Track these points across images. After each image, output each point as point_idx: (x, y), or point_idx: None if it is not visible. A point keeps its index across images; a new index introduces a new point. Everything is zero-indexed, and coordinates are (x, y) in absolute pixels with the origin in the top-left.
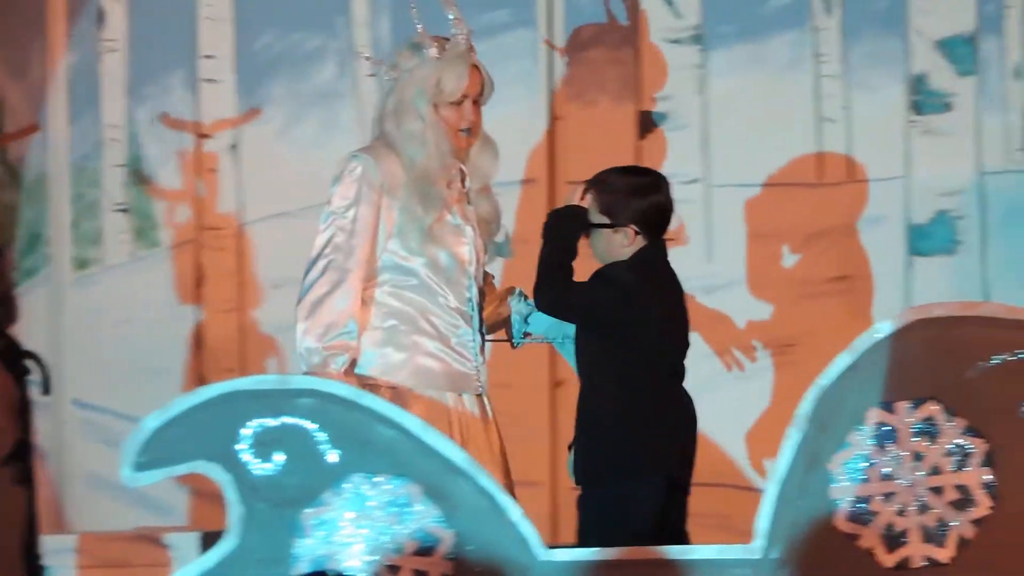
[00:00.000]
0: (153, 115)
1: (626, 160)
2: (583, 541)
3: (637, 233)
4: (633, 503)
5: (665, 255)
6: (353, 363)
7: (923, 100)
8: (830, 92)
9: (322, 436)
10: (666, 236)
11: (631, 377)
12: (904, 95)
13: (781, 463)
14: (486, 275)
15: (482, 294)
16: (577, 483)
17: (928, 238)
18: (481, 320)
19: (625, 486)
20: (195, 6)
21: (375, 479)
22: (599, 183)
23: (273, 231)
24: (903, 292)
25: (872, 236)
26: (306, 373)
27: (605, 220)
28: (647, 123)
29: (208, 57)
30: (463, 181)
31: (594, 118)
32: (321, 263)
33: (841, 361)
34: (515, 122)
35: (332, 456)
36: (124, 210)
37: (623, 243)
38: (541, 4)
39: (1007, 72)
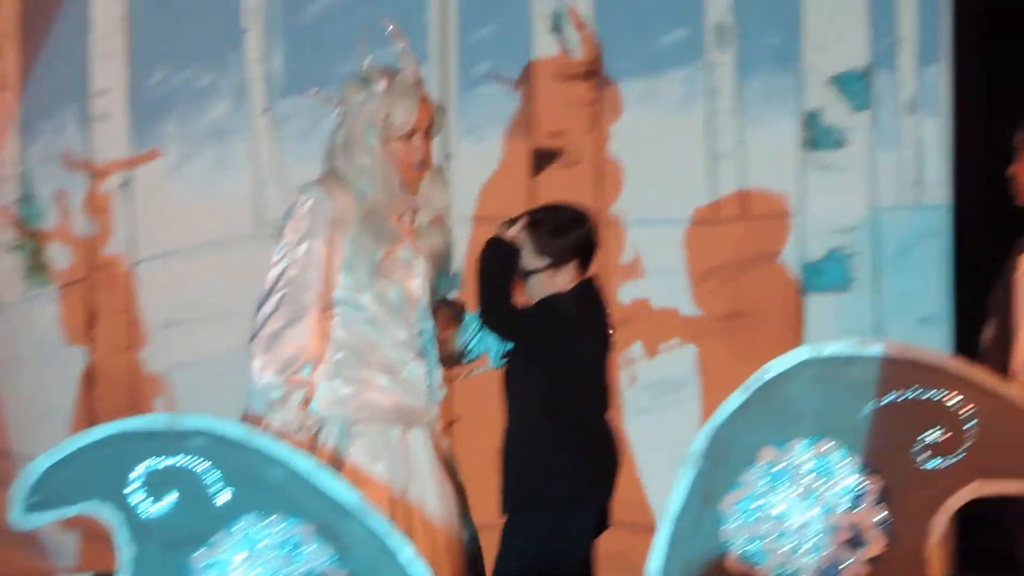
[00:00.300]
0: (47, 153)
1: (519, 197)
2: (501, 571)
3: (576, 267)
4: (564, 535)
5: (599, 288)
6: (308, 398)
7: (817, 136)
8: (724, 128)
9: (213, 476)
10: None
11: (567, 405)
12: (798, 131)
13: (673, 502)
14: (454, 302)
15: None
16: (505, 512)
17: (821, 275)
18: (436, 353)
19: (558, 517)
20: (88, 43)
21: (267, 520)
22: (531, 224)
23: (164, 270)
24: (795, 330)
25: (765, 273)
26: (268, 408)
27: (546, 260)
28: (541, 160)
29: (101, 94)
30: (415, 214)
31: (488, 154)
32: (275, 297)
33: (734, 399)
34: None
35: (223, 497)
36: (15, 249)
37: (563, 281)
38: (434, 40)
39: (900, 107)
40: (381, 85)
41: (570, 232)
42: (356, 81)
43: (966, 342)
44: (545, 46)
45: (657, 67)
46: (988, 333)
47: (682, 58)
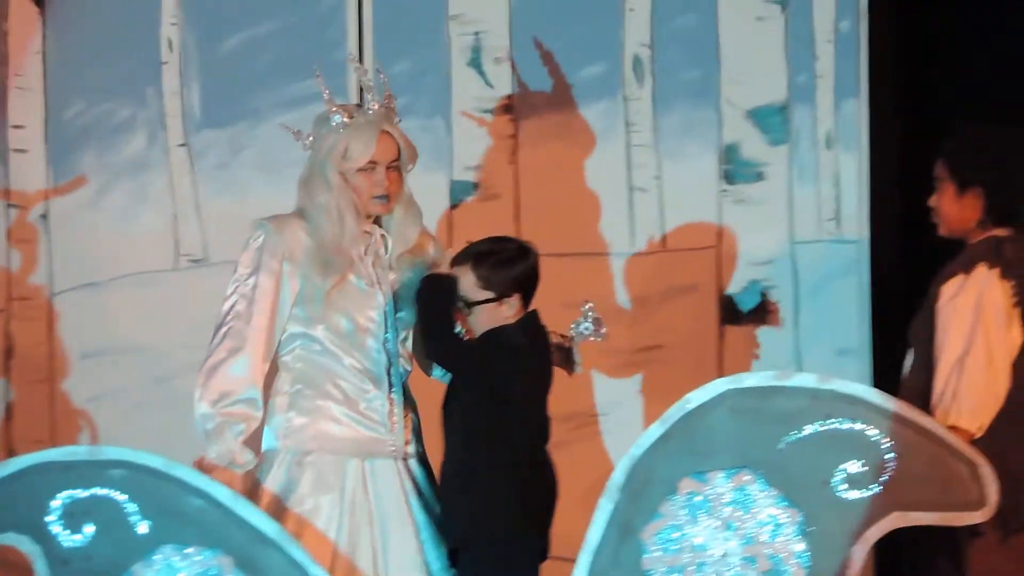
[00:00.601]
0: None
1: (437, 229)
2: None
3: (520, 300)
4: (508, 567)
5: (540, 322)
6: (259, 431)
7: (735, 169)
8: (641, 162)
9: (132, 507)
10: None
11: (512, 437)
12: (716, 164)
13: (593, 533)
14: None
15: (398, 356)
16: (448, 545)
17: (740, 307)
18: (401, 382)
19: (501, 548)
20: (4, 76)
21: (186, 550)
22: (472, 258)
23: (82, 301)
24: (715, 362)
25: (684, 305)
26: (204, 439)
27: (489, 295)
28: (459, 193)
29: (17, 127)
30: (386, 247)
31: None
32: (222, 330)
33: (653, 431)
34: None
35: (142, 527)
36: None
37: (507, 314)
38: (352, 73)
39: (819, 142)
40: (340, 119)
41: (515, 264)
42: (320, 116)
43: (884, 374)
44: (463, 80)
45: (574, 101)
46: (908, 365)
47: (600, 92)
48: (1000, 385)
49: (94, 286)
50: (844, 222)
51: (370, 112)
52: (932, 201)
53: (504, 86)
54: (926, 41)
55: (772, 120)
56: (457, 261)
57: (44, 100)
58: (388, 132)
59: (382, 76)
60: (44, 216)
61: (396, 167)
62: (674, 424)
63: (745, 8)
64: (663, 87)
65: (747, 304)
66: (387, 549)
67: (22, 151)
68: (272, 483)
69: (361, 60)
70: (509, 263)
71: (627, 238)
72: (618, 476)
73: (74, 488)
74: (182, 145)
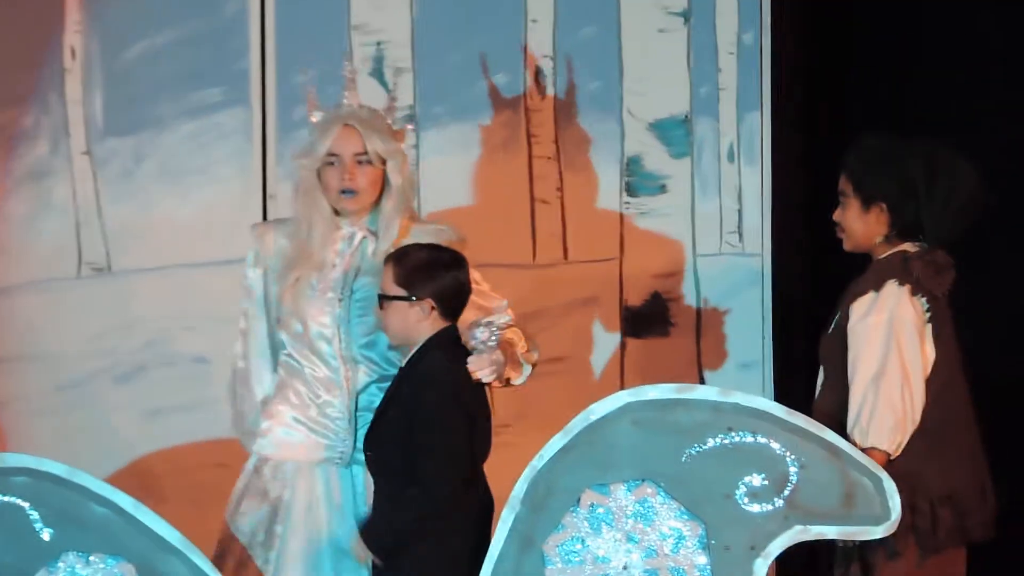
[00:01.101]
0: None
1: None
2: None
3: (433, 308)
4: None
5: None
6: None
7: (637, 182)
8: (543, 173)
9: (35, 514)
10: None
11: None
12: (618, 177)
13: (494, 545)
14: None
15: (355, 363)
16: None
17: (642, 320)
18: (355, 390)
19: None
20: None
21: (89, 558)
22: (397, 255)
23: None
24: (617, 374)
25: (586, 317)
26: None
27: (400, 292)
28: None
29: None
30: (360, 245)
31: None
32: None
33: (555, 442)
34: (228, 201)
35: (45, 534)
36: None
37: (419, 317)
38: (255, 82)
39: (721, 154)
40: (314, 117)
41: (438, 271)
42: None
43: (785, 388)
44: (365, 89)
45: (477, 112)
46: (819, 384)
47: (502, 103)
48: (916, 404)
49: None
50: (746, 235)
51: (340, 108)
52: (836, 216)
53: (406, 96)
54: (829, 54)
55: (674, 133)
56: (386, 257)
57: None
58: (351, 125)
59: (394, 82)
60: None
61: (366, 161)
62: (576, 435)
63: (647, 20)
64: (564, 98)
65: (649, 316)
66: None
67: None
68: (237, 486)
69: (264, 70)
70: (431, 266)
71: (529, 250)
72: (519, 487)
73: None
74: (85, 153)
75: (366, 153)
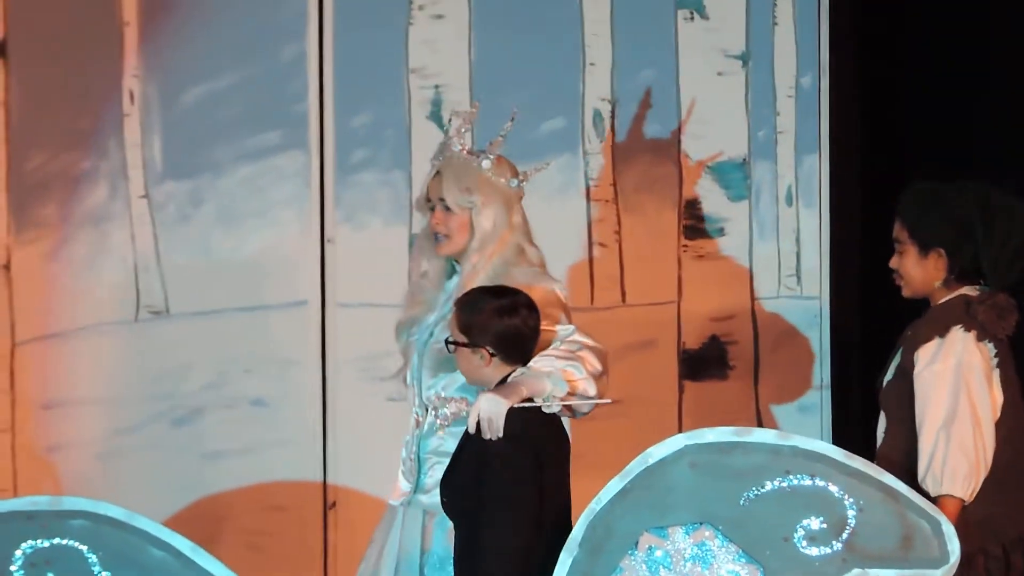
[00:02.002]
0: None
1: (398, 282)
2: None
3: (492, 355)
4: None
5: None
6: None
7: (695, 225)
8: (601, 216)
9: (93, 557)
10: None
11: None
12: (676, 220)
13: None
14: None
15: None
16: None
17: (700, 362)
18: (427, 432)
19: None
20: None
21: None
22: (460, 301)
23: (44, 352)
24: (675, 417)
25: (644, 360)
26: None
27: (463, 339)
28: None
29: None
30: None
31: (366, 241)
32: None
33: (613, 485)
34: (286, 244)
35: None
36: None
37: (479, 364)
38: (313, 126)
39: (779, 197)
40: (436, 162)
41: (494, 317)
42: None
43: (843, 431)
44: (423, 132)
45: (534, 154)
46: (881, 432)
47: (560, 146)
48: (988, 449)
49: (56, 337)
50: (804, 278)
51: (444, 154)
52: (893, 263)
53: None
54: (887, 96)
55: (733, 176)
56: (455, 302)
57: (6, 151)
58: (440, 172)
59: (512, 120)
60: (6, 266)
61: (447, 207)
62: (634, 478)
63: (706, 63)
64: (623, 142)
65: (707, 359)
66: None
67: None
68: None
69: (322, 113)
70: (486, 313)
71: (587, 293)
72: (578, 530)
73: (36, 538)
74: (143, 197)
75: (445, 200)
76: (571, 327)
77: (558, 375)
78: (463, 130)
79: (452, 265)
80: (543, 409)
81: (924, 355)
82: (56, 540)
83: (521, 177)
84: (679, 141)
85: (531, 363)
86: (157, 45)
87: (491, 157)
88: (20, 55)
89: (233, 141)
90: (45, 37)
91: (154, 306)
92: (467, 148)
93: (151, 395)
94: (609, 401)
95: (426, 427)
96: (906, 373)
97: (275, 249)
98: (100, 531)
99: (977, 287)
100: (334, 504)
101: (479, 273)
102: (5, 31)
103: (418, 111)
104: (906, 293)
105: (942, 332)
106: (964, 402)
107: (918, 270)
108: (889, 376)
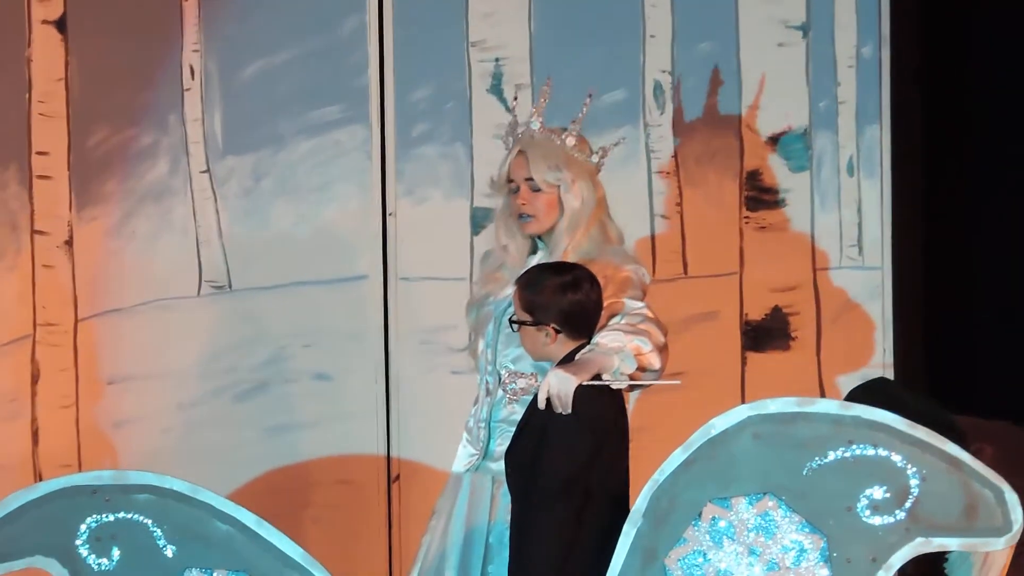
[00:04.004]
0: None
1: (460, 255)
2: None
3: (557, 332)
4: None
5: None
6: None
7: (756, 196)
8: (662, 189)
9: (158, 531)
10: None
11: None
12: (737, 191)
13: (616, 559)
14: None
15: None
16: None
17: (762, 334)
18: (497, 403)
19: None
20: (28, 102)
21: (213, 574)
22: (522, 280)
23: (106, 328)
24: (738, 388)
25: (706, 332)
26: None
27: (527, 318)
28: (481, 219)
29: (41, 154)
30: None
31: (427, 214)
32: None
33: (676, 456)
34: (347, 218)
35: (167, 552)
36: None
37: (545, 341)
38: (374, 100)
39: (841, 168)
40: (509, 140)
41: (557, 294)
42: None
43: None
44: (484, 105)
45: (595, 127)
46: None
47: (620, 118)
48: None
49: (118, 312)
50: (866, 248)
51: (522, 133)
52: None
53: (524, 112)
54: (948, 65)
55: (794, 146)
56: (517, 281)
57: (67, 127)
58: (523, 152)
59: (589, 98)
60: (68, 242)
61: (535, 187)
62: (697, 449)
63: (766, 34)
64: (684, 114)
65: (769, 330)
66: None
67: (46, 178)
68: None
69: (383, 87)
70: (549, 291)
71: (649, 265)
72: (641, 501)
73: (101, 512)
74: (204, 172)
75: (534, 179)
76: (640, 303)
77: (628, 351)
78: (541, 108)
79: (535, 241)
80: (611, 386)
81: None
82: (121, 514)
83: (600, 152)
84: (740, 113)
85: (598, 338)
86: (217, 19)
87: (574, 134)
88: (80, 31)
89: (294, 115)
90: (104, 13)
91: (216, 281)
92: (542, 126)
93: (214, 370)
94: (677, 383)
95: (498, 396)
96: None
97: (337, 223)
98: (165, 505)
99: None
100: (398, 477)
101: (569, 254)
102: (64, 7)
103: (478, 84)
104: None
105: None
106: None
107: None
108: None
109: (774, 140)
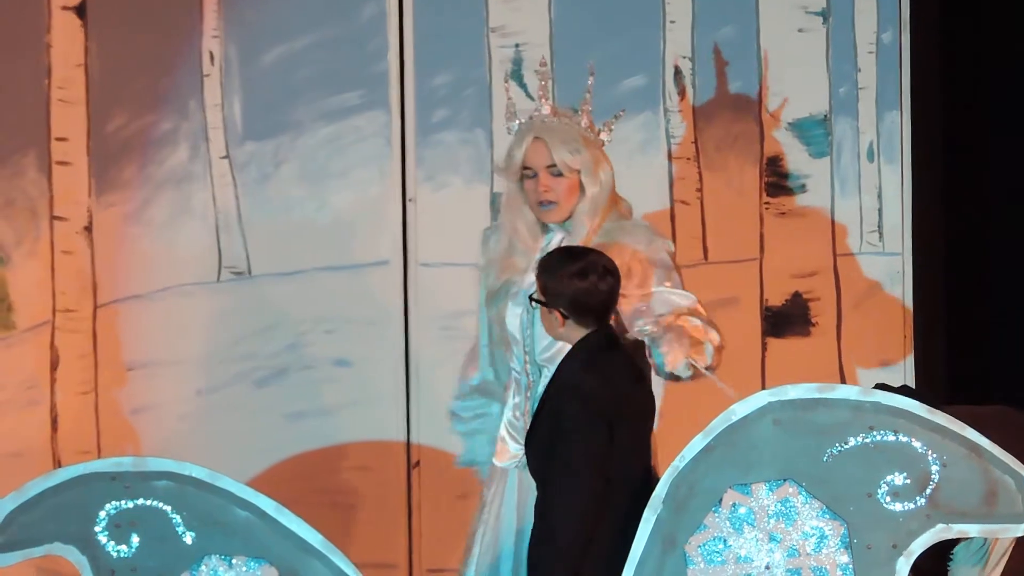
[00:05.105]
0: (7, 198)
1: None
2: None
3: (565, 317)
4: None
5: (612, 343)
6: None
7: (776, 182)
8: (682, 174)
9: (177, 518)
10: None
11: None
12: (757, 177)
13: (637, 545)
14: None
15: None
16: None
17: (783, 319)
18: (533, 391)
19: None
20: (47, 88)
21: (232, 561)
22: (542, 262)
23: (126, 314)
24: (758, 374)
25: (727, 318)
26: None
27: (542, 299)
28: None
29: (61, 140)
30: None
31: (447, 200)
32: None
33: (697, 443)
34: (367, 204)
35: (187, 538)
36: None
37: (555, 324)
38: (394, 86)
39: (861, 154)
40: (513, 125)
41: (567, 280)
42: None
43: (926, 386)
44: (504, 92)
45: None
46: None
47: (640, 104)
48: None
49: (137, 298)
50: (887, 234)
51: (532, 118)
52: None
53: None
54: (968, 51)
55: (814, 132)
56: (538, 264)
57: (87, 113)
58: (540, 138)
59: (591, 76)
60: (87, 228)
61: (557, 172)
62: (718, 435)
63: (786, 19)
64: (703, 99)
65: (789, 316)
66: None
67: (65, 163)
68: None
69: (403, 73)
70: (557, 276)
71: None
72: (661, 488)
73: (120, 499)
74: (224, 157)
75: (556, 165)
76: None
77: (711, 347)
78: (546, 91)
79: (540, 228)
80: (702, 370)
81: None
82: (140, 501)
83: (605, 128)
84: (760, 98)
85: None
86: (236, 5)
87: (586, 113)
88: (99, 17)
89: (313, 101)
90: None
91: (236, 267)
92: (553, 110)
93: (233, 356)
94: (732, 393)
95: (540, 388)
96: None
97: (356, 209)
98: (184, 492)
99: None
100: (418, 463)
101: (592, 238)
102: None
103: (498, 70)
104: None
105: None
106: None
107: None
108: None
109: (794, 126)
